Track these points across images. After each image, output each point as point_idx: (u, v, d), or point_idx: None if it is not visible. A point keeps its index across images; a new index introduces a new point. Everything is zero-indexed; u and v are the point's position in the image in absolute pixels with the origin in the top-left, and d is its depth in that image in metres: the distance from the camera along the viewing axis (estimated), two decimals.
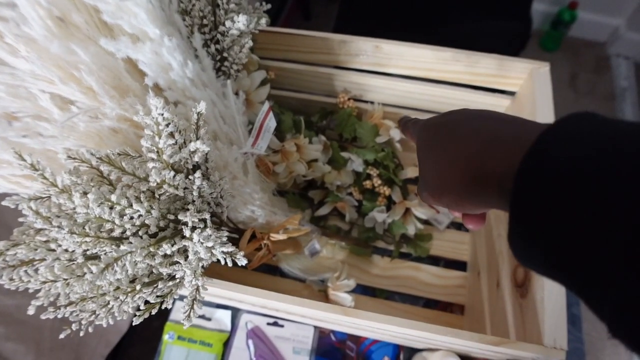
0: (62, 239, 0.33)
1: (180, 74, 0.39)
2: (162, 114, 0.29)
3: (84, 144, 0.37)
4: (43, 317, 0.33)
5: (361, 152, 0.62)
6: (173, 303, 0.36)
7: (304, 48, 0.59)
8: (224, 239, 0.33)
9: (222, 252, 0.31)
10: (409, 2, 1.12)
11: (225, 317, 0.65)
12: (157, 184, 0.32)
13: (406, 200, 0.64)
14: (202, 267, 0.35)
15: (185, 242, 0.32)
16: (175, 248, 0.31)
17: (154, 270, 0.35)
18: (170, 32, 0.38)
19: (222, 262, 0.32)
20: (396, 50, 0.56)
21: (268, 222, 0.50)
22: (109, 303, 0.32)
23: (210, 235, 0.32)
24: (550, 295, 0.40)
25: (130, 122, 0.38)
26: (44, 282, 0.33)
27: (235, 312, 0.65)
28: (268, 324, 0.64)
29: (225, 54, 0.45)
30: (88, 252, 0.34)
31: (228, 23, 0.43)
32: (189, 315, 0.35)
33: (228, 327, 0.64)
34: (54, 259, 0.32)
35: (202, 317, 0.65)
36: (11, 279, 0.34)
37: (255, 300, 0.43)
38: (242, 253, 0.32)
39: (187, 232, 0.32)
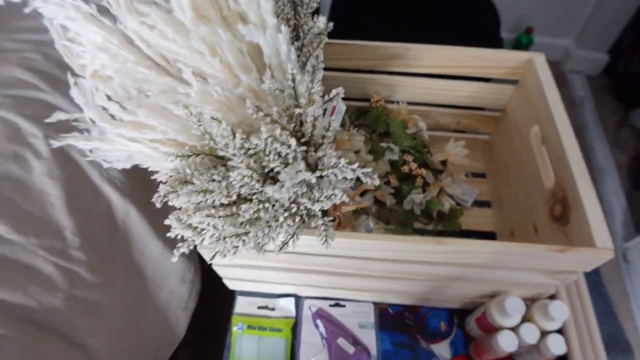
0: (223, 176, 0.39)
1: (286, 58, 0.48)
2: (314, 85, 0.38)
3: (218, 109, 0.44)
4: (205, 251, 0.38)
5: (398, 140, 0.72)
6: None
7: (341, 55, 0.70)
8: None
9: (363, 173, 0.39)
10: (388, 29, 1.29)
11: (289, 304, 0.68)
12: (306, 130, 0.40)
13: (438, 181, 0.73)
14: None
15: (333, 170, 0.39)
16: (326, 173, 0.39)
17: (293, 204, 0.42)
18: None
19: (363, 180, 0.39)
20: (422, 52, 0.68)
21: None
22: (278, 219, 0.38)
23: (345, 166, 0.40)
24: (591, 208, 0.49)
25: (254, 92, 0.46)
26: (209, 216, 0.38)
27: (297, 300, 0.69)
28: (330, 305, 0.69)
29: (304, 49, 0.55)
30: (242, 193, 0.40)
31: (310, 23, 0.53)
32: (326, 239, 0.41)
33: (293, 313, 0.68)
34: (219, 192, 0.38)
35: (265, 307, 0.68)
36: (179, 219, 0.39)
37: (377, 245, 0.48)
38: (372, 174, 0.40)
39: (332, 160, 0.39)
